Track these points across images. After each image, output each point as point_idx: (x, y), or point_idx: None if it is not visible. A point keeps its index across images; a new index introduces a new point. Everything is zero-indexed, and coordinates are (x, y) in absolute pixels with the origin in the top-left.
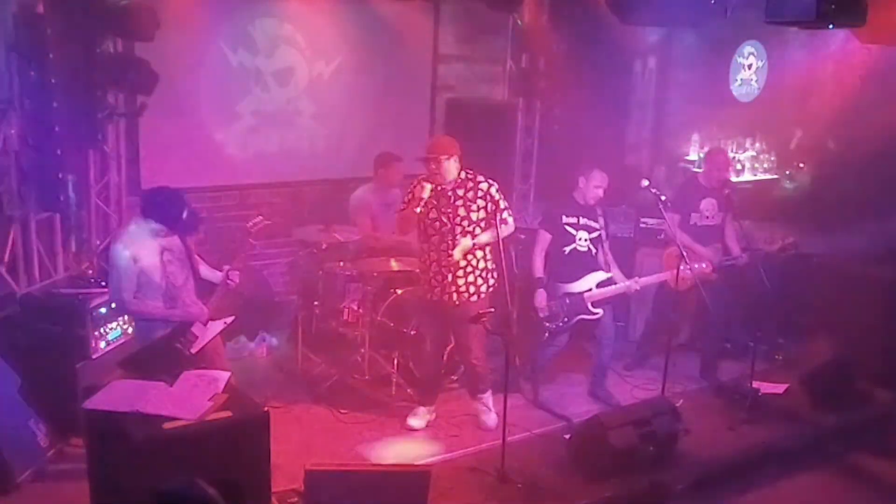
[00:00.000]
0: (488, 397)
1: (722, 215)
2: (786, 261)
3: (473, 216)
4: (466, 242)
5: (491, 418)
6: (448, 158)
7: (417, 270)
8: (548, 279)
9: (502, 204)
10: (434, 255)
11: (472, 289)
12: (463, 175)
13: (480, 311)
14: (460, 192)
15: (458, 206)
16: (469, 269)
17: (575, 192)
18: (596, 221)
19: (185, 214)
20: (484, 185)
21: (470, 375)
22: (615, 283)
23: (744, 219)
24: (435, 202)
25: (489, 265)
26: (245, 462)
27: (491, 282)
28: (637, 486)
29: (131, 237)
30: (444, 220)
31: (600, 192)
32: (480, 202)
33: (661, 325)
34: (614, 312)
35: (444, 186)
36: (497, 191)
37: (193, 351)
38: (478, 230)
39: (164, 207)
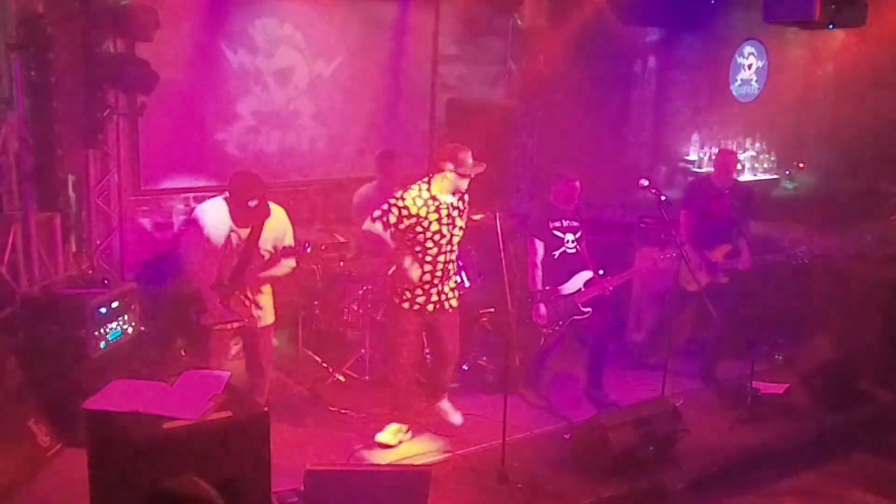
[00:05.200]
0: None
1: (732, 216)
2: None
3: (462, 226)
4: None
5: (458, 418)
6: (477, 166)
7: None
8: (542, 285)
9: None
10: (428, 268)
11: (457, 292)
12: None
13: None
14: (461, 206)
15: (454, 218)
16: (452, 274)
17: (551, 196)
18: (577, 220)
19: (251, 203)
20: (466, 198)
21: (443, 378)
22: (599, 280)
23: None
24: (436, 215)
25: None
26: (245, 462)
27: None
28: (637, 486)
29: (209, 208)
30: (445, 231)
31: (572, 196)
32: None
33: (669, 325)
34: (604, 310)
35: (446, 198)
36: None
37: (203, 322)
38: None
39: (236, 189)
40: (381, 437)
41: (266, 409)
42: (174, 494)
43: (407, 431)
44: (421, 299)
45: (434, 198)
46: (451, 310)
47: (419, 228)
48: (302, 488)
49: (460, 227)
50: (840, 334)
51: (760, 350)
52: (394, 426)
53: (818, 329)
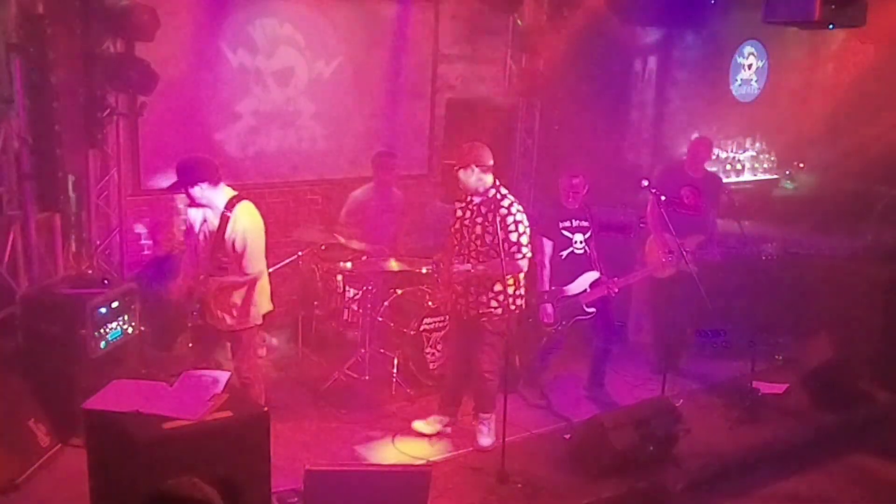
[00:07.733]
0: (490, 420)
1: (704, 207)
2: (785, 261)
3: (487, 239)
4: (460, 268)
5: (487, 441)
6: (461, 169)
7: (419, 271)
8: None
9: (513, 237)
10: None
11: (482, 309)
12: (492, 192)
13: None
14: (483, 210)
15: (476, 224)
16: (482, 288)
17: (559, 195)
18: (587, 220)
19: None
20: (503, 211)
21: (476, 390)
22: (605, 281)
23: (744, 219)
24: (461, 213)
25: (509, 290)
26: (245, 462)
27: (512, 307)
28: (637, 486)
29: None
30: (465, 233)
31: (578, 193)
32: (497, 227)
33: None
34: (608, 310)
35: (473, 199)
36: (514, 222)
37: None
38: (492, 253)
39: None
40: (420, 425)
41: (266, 408)
42: (175, 496)
43: (446, 424)
44: (454, 299)
45: (466, 197)
46: (477, 318)
47: (460, 224)
48: (302, 488)
49: (478, 237)
50: (839, 334)
51: (760, 350)
52: (435, 416)
53: (817, 329)
